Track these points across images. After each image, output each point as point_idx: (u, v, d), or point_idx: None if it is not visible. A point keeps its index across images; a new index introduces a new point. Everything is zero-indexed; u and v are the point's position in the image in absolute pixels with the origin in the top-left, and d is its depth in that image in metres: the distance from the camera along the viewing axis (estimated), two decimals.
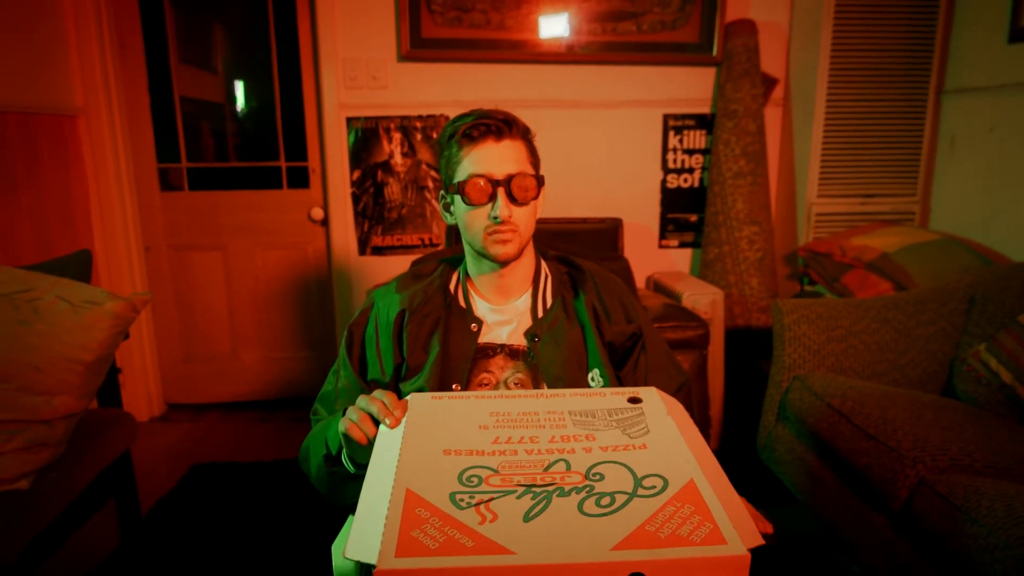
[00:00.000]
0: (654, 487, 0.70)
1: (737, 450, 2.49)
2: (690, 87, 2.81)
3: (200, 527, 2.09)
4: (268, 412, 2.99)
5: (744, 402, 2.48)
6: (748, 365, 2.58)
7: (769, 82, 2.78)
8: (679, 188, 2.90)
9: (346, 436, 0.94)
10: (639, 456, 0.76)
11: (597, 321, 1.17)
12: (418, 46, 2.64)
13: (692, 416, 0.91)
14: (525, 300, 1.18)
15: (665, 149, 2.86)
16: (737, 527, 0.64)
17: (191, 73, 2.85)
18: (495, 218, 1.06)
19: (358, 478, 1.01)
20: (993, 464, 1.42)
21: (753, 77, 2.65)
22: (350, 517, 1.08)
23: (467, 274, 1.21)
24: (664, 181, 2.89)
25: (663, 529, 0.64)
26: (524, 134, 1.12)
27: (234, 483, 2.36)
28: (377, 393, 0.92)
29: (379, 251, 2.85)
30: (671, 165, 2.88)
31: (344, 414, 0.97)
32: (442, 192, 1.16)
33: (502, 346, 1.15)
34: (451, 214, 1.15)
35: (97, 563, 1.88)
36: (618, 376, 1.17)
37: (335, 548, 1.03)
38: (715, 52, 2.70)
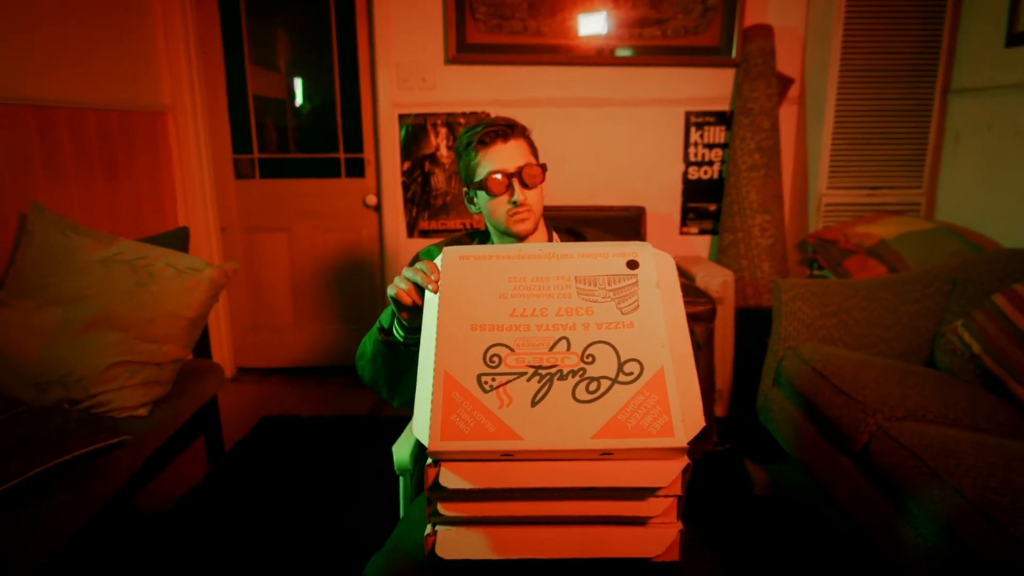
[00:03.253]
0: (632, 373, 0.90)
1: (744, 416, 2.75)
2: (711, 87, 3.05)
3: (272, 464, 2.45)
4: (325, 377, 3.36)
5: (752, 374, 2.72)
6: (757, 342, 2.82)
7: (785, 82, 3.00)
8: (699, 179, 3.15)
9: (395, 300, 1.11)
10: (626, 335, 0.93)
11: None
12: (463, 51, 2.94)
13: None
14: None
15: (687, 143, 3.11)
16: (685, 417, 0.88)
17: (259, 72, 3.21)
18: (514, 202, 1.33)
19: (409, 346, 1.23)
20: (944, 416, 1.66)
21: (768, 78, 2.88)
22: (405, 430, 1.39)
23: None
24: (686, 173, 3.14)
25: (631, 420, 0.88)
26: (524, 133, 1.37)
27: (299, 432, 2.72)
28: (419, 264, 1.06)
29: (425, 234, 3.18)
30: (692, 158, 3.13)
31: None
32: (465, 189, 1.43)
33: None
34: (474, 205, 1.42)
35: (190, 488, 2.26)
36: None
37: (395, 448, 1.35)
38: (734, 55, 2.93)
